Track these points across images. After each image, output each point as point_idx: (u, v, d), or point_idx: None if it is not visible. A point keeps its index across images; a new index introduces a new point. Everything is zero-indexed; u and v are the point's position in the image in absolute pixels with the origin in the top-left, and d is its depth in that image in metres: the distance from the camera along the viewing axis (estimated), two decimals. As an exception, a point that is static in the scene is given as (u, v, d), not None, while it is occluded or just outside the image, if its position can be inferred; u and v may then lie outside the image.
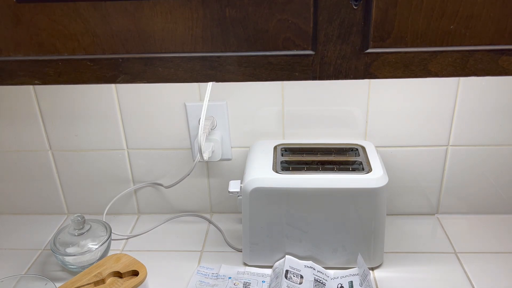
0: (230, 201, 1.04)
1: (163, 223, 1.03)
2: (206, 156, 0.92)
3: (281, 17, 0.50)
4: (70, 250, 0.86)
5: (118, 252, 0.94)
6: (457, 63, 0.52)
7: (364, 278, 0.80)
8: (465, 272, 0.84)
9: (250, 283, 0.83)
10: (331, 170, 0.85)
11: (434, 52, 0.51)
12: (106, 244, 0.88)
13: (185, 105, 0.94)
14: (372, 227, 0.82)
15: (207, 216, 1.05)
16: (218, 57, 0.53)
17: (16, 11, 0.51)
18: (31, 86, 0.94)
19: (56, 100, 0.95)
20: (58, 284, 0.78)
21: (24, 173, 1.04)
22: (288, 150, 0.92)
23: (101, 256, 0.88)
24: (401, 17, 0.49)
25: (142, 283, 0.77)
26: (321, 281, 0.81)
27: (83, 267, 0.84)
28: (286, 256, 0.85)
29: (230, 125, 0.96)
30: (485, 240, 0.93)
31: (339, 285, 0.81)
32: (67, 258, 0.85)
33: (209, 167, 1.01)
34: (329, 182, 0.80)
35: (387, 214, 0.85)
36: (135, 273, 0.78)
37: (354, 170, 0.85)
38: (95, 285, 0.76)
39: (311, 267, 0.83)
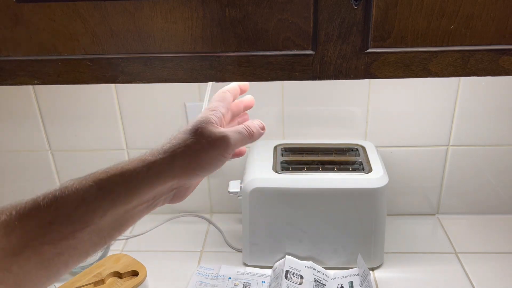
0: (230, 201, 1.04)
1: (163, 223, 1.03)
2: (206, 156, 0.92)
3: (281, 16, 0.50)
4: (70, 250, 0.86)
5: (118, 252, 0.94)
6: (458, 63, 0.52)
7: (364, 278, 0.79)
8: (465, 272, 0.84)
9: (250, 283, 0.82)
10: (331, 170, 0.85)
11: (435, 52, 0.51)
12: (106, 244, 0.88)
13: (185, 105, 0.94)
14: (372, 227, 0.82)
15: (207, 216, 1.05)
16: (218, 57, 0.53)
17: (16, 10, 0.51)
18: (30, 86, 0.94)
19: (56, 100, 0.95)
20: (58, 284, 0.78)
21: (24, 173, 1.03)
22: (288, 150, 0.92)
23: (101, 257, 0.88)
24: (401, 17, 0.49)
25: (141, 283, 0.76)
26: (321, 282, 0.81)
27: (83, 267, 0.84)
28: (286, 256, 0.85)
29: (230, 125, 0.96)
30: (485, 240, 0.93)
31: (339, 286, 0.81)
32: (67, 258, 0.85)
33: (209, 167, 1.01)
34: (329, 182, 0.80)
35: (387, 214, 0.85)
36: (134, 274, 0.78)
37: (354, 170, 0.85)
38: (94, 286, 0.76)
39: (311, 267, 0.83)
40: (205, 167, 0.47)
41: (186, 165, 0.45)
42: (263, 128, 0.54)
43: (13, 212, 0.40)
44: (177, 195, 0.49)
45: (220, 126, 0.51)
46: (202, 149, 0.46)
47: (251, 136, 0.51)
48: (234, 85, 0.58)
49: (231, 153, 0.48)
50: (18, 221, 0.39)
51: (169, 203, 0.50)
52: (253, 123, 0.53)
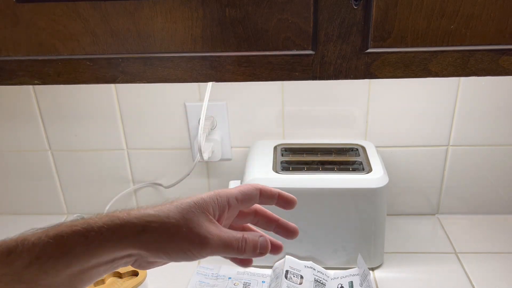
0: (230, 201, 1.04)
1: (163, 223, 1.03)
2: (206, 156, 0.92)
3: (281, 16, 0.50)
4: (70, 250, 0.86)
5: (118, 252, 0.94)
6: (458, 63, 0.52)
7: (364, 278, 0.79)
8: (466, 272, 0.84)
9: (250, 283, 0.82)
10: (331, 170, 0.85)
11: (435, 52, 0.51)
12: (106, 244, 0.88)
13: (185, 105, 0.94)
14: (372, 227, 0.82)
15: (207, 216, 1.05)
16: (218, 57, 0.53)
17: (16, 10, 0.51)
18: (30, 86, 0.94)
19: (56, 100, 0.95)
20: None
21: (24, 173, 1.03)
22: (288, 150, 0.92)
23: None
24: (401, 17, 0.49)
25: (142, 283, 0.77)
26: (321, 281, 0.81)
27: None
28: (286, 256, 0.85)
29: (230, 125, 0.96)
30: (485, 240, 0.93)
31: (339, 285, 0.81)
32: (67, 258, 0.85)
33: (209, 167, 1.01)
34: (329, 182, 0.80)
35: (387, 214, 0.85)
36: (134, 273, 0.78)
37: (354, 170, 0.85)
38: (94, 285, 0.76)
39: (311, 267, 0.83)
40: (171, 256, 0.41)
41: (152, 243, 0.40)
42: (262, 251, 0.45)
43: None
44: (140, 264, 0.43)
45: (219, 217, 0.44)
46: (176, 237, 0.40)
47: (240, 252, 0.43)
48: (273, 191, 0.49)
49: (205, 256, 0.42)
50: None
51: (133, 266, 0.44)
52: (254, 239, 0.44)
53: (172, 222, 0.41)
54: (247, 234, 0.44)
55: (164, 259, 0.42)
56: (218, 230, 0.43)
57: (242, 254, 0.43)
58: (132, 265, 0.43)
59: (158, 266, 0.45)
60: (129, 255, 0.41)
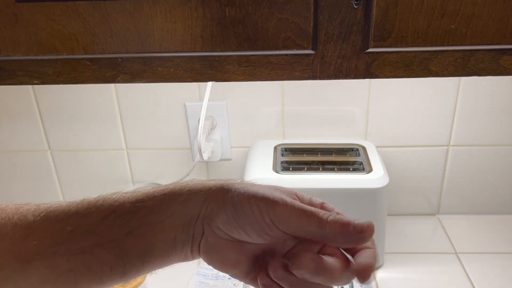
0: (230, 201, 1.03)
1: (162, 224, 1.03)
2: (206, 156, 0.92)
3: (281, 16, 0.50)
4: (69, 250, 0.86)
5: (118, 252, 0.94)
6: (458, 62, 0.52)
7: (364, 278, 0.79)
8: (466, 273, 0.84)
9: (250, 283, 0.82)
10: (332, 170, 0.85)
11: (435, 51, 0.51)
12: (105, 244, 0.88)
13: (184, 105, 0.94)
14: (372, 228, 0.82)
15: (207, 216, 1.05)
16: (218, 56, 0.53)
17: (15, 10, 0.51)
18: (30, 86, 0.94)
19: (55, 100, 0.95)
20: (57, 285, 0.78)
21: (23, 173, 1.03)
22: (288, 150, 0.92)
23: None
24: (401, 16, 0.49)
25: (141, 283, 0.76)
26: (321, 282, 0.80)
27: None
28: (286, 256, 0.85)
29: (230, 125, 0.96)
30: (486, 240, 0.93)
31: (339, 285, 0.81)
32: (67, 259, 0.84)
33: (209, 167, 1.01)
34: (329, 182, 0.80)
35: (387, 215, 0.85)
36: (134, 274, 0.78)
37: (354, 170, 0.85)
38: (94, 286, 0.76)
39: (311, 268, 0.83)
40: (236, 210, 0.36)
41: (221, 196, 0.37)
42: (358, 232, 0.35)
43: (42, 214, 0.37)
44: (207, 240, 0.39)
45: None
46: (250, 193, 0.37)
47: (321, 224, 0.36)
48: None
49: (276, 224, 0.36)
50: (40, 224, 0.36)
51: (198, 254, 0.41)
52: (344, 217, 0.36)
53: (251, 183, 0.39)
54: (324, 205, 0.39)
55: (232, 220, 0.37)
56: (296, 201, 0.38)
57: (323, 227, 0.35)
58: (200, 251, 0.39)
59: (219, 258, 0.40)
60: (196, 215, 0.38)
